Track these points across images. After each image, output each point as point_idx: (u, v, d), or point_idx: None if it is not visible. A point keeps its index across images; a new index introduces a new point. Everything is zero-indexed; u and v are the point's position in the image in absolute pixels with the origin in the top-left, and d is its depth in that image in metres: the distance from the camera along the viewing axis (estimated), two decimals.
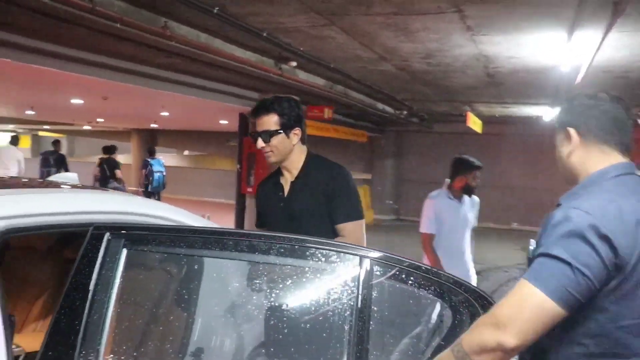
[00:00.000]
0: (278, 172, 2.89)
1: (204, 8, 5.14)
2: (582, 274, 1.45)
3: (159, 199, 13.08)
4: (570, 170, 1.80)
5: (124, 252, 1.85)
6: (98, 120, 21.56)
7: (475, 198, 4.98)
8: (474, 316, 1.62)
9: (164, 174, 14.06)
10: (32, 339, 2.34)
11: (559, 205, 1.68)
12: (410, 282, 1.65)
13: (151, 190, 13.67)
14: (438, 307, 1.70)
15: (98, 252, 1.84)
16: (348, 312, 1.63)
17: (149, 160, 14.21)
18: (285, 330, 1.69)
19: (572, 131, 1.74)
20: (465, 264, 4.80)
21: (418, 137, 18.56)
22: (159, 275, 2.03)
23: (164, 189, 14.36)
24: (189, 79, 9.20)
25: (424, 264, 1.70)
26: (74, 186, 2.50)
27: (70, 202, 2.10)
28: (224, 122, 16.59)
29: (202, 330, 1.85)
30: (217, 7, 5.20)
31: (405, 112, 13.89)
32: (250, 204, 11.36)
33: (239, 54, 7.09)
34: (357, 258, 1.67)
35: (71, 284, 1.81)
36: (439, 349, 1.58)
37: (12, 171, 10.75)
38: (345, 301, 1.65)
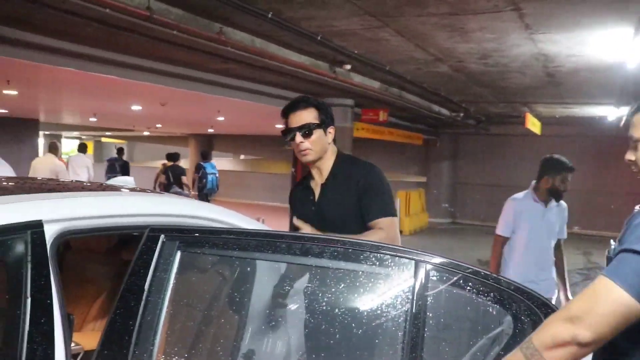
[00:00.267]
0: (308, 176, 2.78)
1: (258, 13, 5.19)
2: None
3: (208, 202, 13.32)
4: None
5: (178, 254, 1.86)
6: (157, 126, 22.14)
7: (563, 204, 4.43)
8: (535, 324, 1.55)
9: (217, 176, 14.33)
10: (91, 338, 2.39)
11: None
12: (468, 287, 1.59)
13: (205, 192, 13.94)
14: (498, 314, 1.63)
15: (153, 254, 1.86)
16: (402, 318, 1.59)
17: (202, 163, 14.53)
18: (337, 335, 1.66)
19: None
20: (545, 273, 4.32)
21: (474, 139, 18.24)
22: (212, 277, 2.03)
23: (217, 192, 14.64)
24: (244, 83, 9.31)
25: (482, 269, 1.64)
26: (130, 189, 2.54)
27: (126, 205, 2.13)
28: (279, 126, 16.71)
29: (253, 333, 1.84)
30: (271, 12, 5.24)
31: (461, 114, 13.67)
32: None
33: (294, 58, 7.13)
34: (413, 262, 1.62)
35: (127, 285, 1.83)
36: (498, 359, 1.51)
37: (82, 177, 11.08)
38: (400, 307, 1.60)
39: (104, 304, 3.08)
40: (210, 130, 23.33)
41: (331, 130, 2.66)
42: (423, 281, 1.59)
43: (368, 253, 1.67)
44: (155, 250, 1.86)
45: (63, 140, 30.29)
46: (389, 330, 1.62)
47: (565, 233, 4.46)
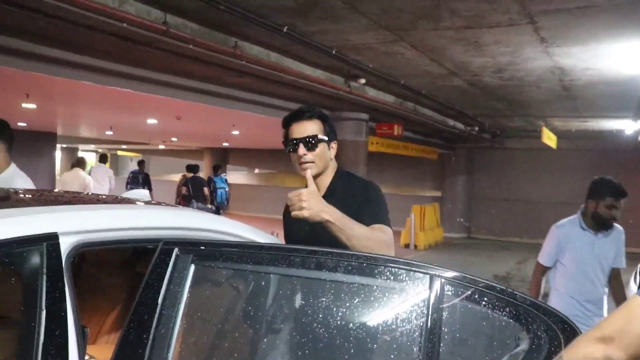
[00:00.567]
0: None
1: (273, 27, 5.23)
2: None
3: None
4: None
5: (192, 267, 1.86)
6: (172, 139, 22.29)
7: (619, 228, 3.93)
8: (553, 341, 1.52)
9: (227, 190, 14.55)
10: (104, 351, 2.39)
11: None
12: (483, 302, 1.57)
13: (216, 206, 14.17)
14: (514, 330, 1.60)
15: (167, 267, 1.86)
16: (417, 333, 1.57)
17: (212, 177, 14.78)
18: (352, 350, 1.64)
19: None
20: (595, 308, 3.86)
21: (489, 153, 18.17)
22: (226, 291, 2.03)
23: (226, 206, 14.86)
24: (259, 97, 9.36)
25: (498, 284, 1.62)
26: (144, 202, 2.55)
27: (140, 218, 2.14)
28: None
29: (267, 348, 1.83)
30: (286, 26, 5.27)
31: (476, 128, 13.64)
32: None
33: (309, 72, 7.17)
34: (428, 277, 1.60)
35: (140, 298, 1.83)
36: None
37: (104, 187, 11.42)
38: (414, 321, 1.59)
39: (118, 316, 3.09)
40: (225, 144, 23.45)
41: (334, 145, 2.52)
42: (438, 296, 1.57)
43: (382, 267, 1.66)
44: (169, 264, 1.86)
45: (79, 154, 30.59)
46: (404, 345, 1.61)
47: (623, 262, 3.96)
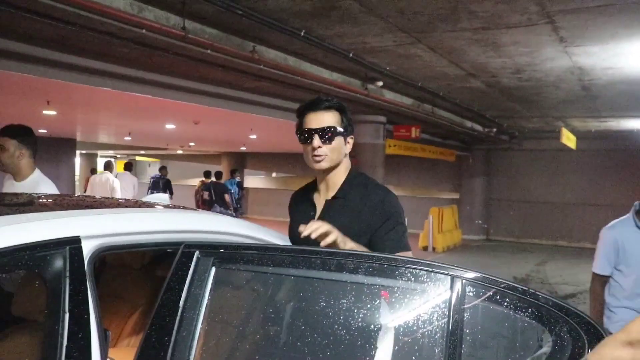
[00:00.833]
0: (312, 187, 2.45)
1: (290, 31, 5.25)
2: None
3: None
4: None
5: (213, 270, 1.87)
6: (190, 144, 22.42)
7: None
8: (576, 343, 1.50)
9: (232, 192, 14.90)
10: (126, 354, 2.41)
11: None
12: (505, 303, 1.56)
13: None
14: (536, 331, 1.59)
15: (188, 270, 1.87)
16: (438, 335, 1.56)
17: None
18: (373, 352, 1.64)
19: None
20: None
21: (508, 155, 18.04)
22: (247, 293, 2.03)
23: (239, 208, 15.36)
24: (277, 101, 9.39)
25: (520, 285, 1.60)
26: (165, 206, 2.57)
27: (161, 222, 2.16)
28: None
29: (288, 350, 1.83)
30: (303, 30, 5.29)
31: (494, 130, 13.55)
32: None
33: (326, 75, 7.18)
34: (449, 278, 1.59)
35: (162, 301, 1.84)
36: None
37: (129, 193, 11.92)
38: (436, 323, 1.58)
39: (139, 320, 3.11)
40: (243, 148, 23.53)
41: (350, 140, 2.35)
42: (459, 297, 1.56)
43: (403, 269, 1.66)
44: (190, 267, 1.87)
45: (98, 160, 30.93)
46: (425, 347, 1.60)
47: None
